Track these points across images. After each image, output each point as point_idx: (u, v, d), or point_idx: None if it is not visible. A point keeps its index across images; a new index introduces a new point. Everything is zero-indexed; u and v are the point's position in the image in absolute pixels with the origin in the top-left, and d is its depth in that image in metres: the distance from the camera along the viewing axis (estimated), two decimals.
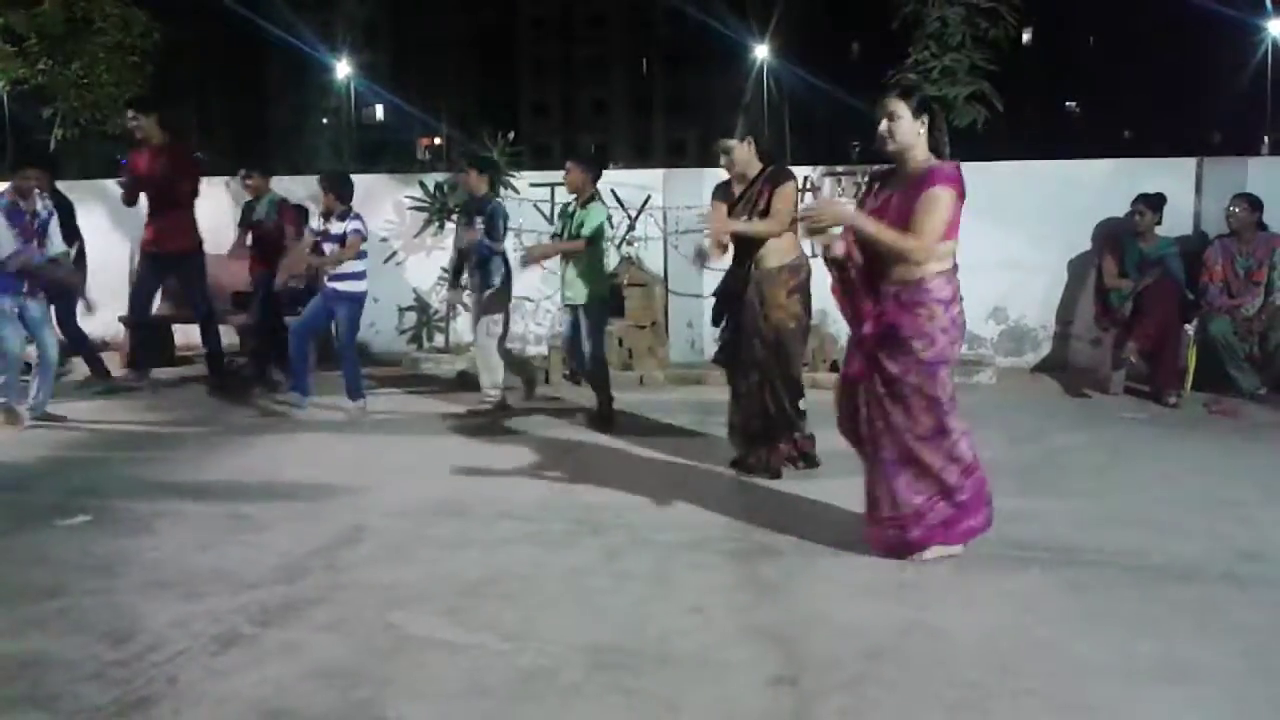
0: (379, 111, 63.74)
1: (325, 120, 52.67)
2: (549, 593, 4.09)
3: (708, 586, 4.15)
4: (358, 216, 7.36)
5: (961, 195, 4.13)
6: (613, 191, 9.05)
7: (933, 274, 4.14)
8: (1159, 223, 7.74)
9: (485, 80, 62.63)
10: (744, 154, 5.68)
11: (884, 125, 4.18)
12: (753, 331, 5.57)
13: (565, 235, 7.00)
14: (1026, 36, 45.73)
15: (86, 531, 4.89)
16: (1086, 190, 8.47)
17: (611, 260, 7.86)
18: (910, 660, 3.47)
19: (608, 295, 7.20)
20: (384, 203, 9.36)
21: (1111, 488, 5.45)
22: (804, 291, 5.63)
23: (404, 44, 59.98)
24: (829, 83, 38.94)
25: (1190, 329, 7.61)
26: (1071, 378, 8.07)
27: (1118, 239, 7.90)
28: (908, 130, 4.17)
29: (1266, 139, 38.68)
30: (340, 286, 7.32)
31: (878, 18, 8.72)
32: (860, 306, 4.35)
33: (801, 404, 5.76)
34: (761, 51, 49.01)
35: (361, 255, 7.35)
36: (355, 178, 7.68)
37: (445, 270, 9.17)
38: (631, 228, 8.93)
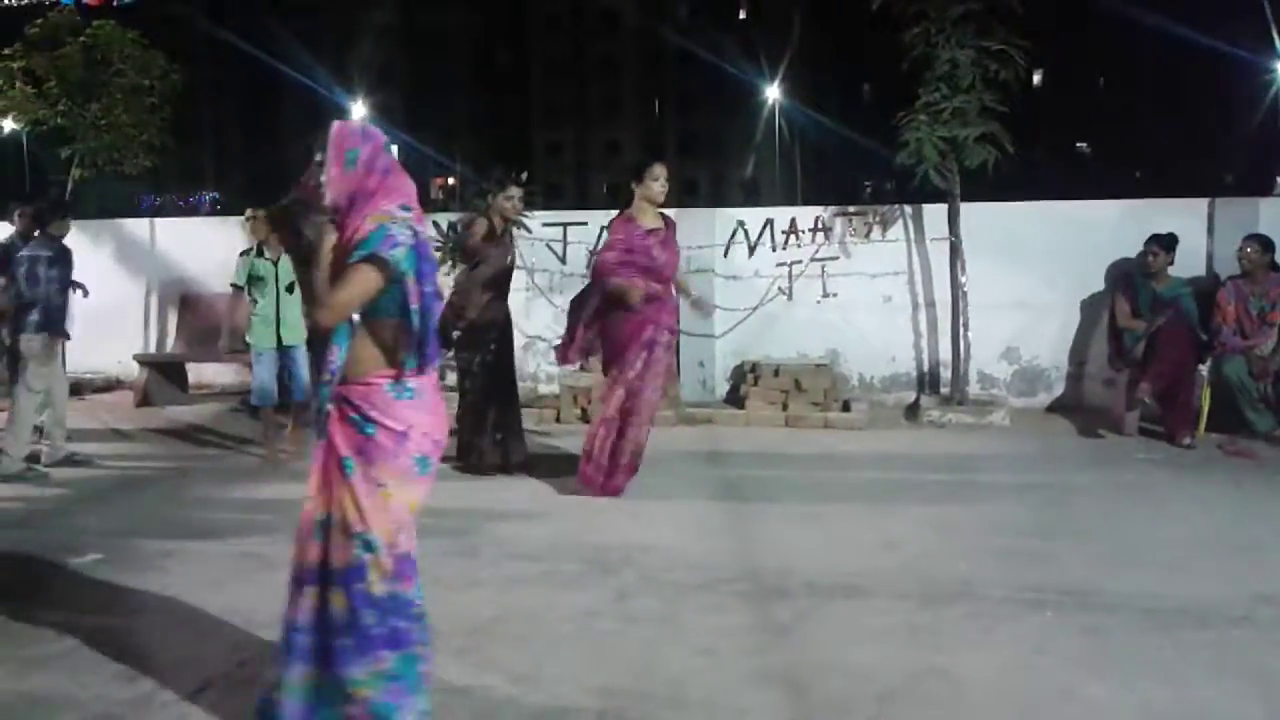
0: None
1: None
2: (558, 634, 4.07)
3: (718, 628, 4.12)
4: None
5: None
6: None
7: None
8: (1172, 263, 7.73)
9: (499, 121, 63.15)
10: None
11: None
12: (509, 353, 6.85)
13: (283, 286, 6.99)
14: (1037, 78, 46.06)
15: (98, 570, 4.89)
16: (1099, 231, 8.47)
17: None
18: (924, 703, 3.44)
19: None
20: None
21: (1126, 530, 5.40)
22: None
23: (419, 85, 60.55)
24: (840, 124, 39.29)
25: (1204, 370, 7.58)
26: (1085, 418, 8.03)
27: (1131, 279, 7.89)
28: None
29: (1279, 179, 38.71)
30: None
31: (889, 60, 8.75)
32: None
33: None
34: (773, 93, 49.42)
35: None
36: None
37: None
38: None
